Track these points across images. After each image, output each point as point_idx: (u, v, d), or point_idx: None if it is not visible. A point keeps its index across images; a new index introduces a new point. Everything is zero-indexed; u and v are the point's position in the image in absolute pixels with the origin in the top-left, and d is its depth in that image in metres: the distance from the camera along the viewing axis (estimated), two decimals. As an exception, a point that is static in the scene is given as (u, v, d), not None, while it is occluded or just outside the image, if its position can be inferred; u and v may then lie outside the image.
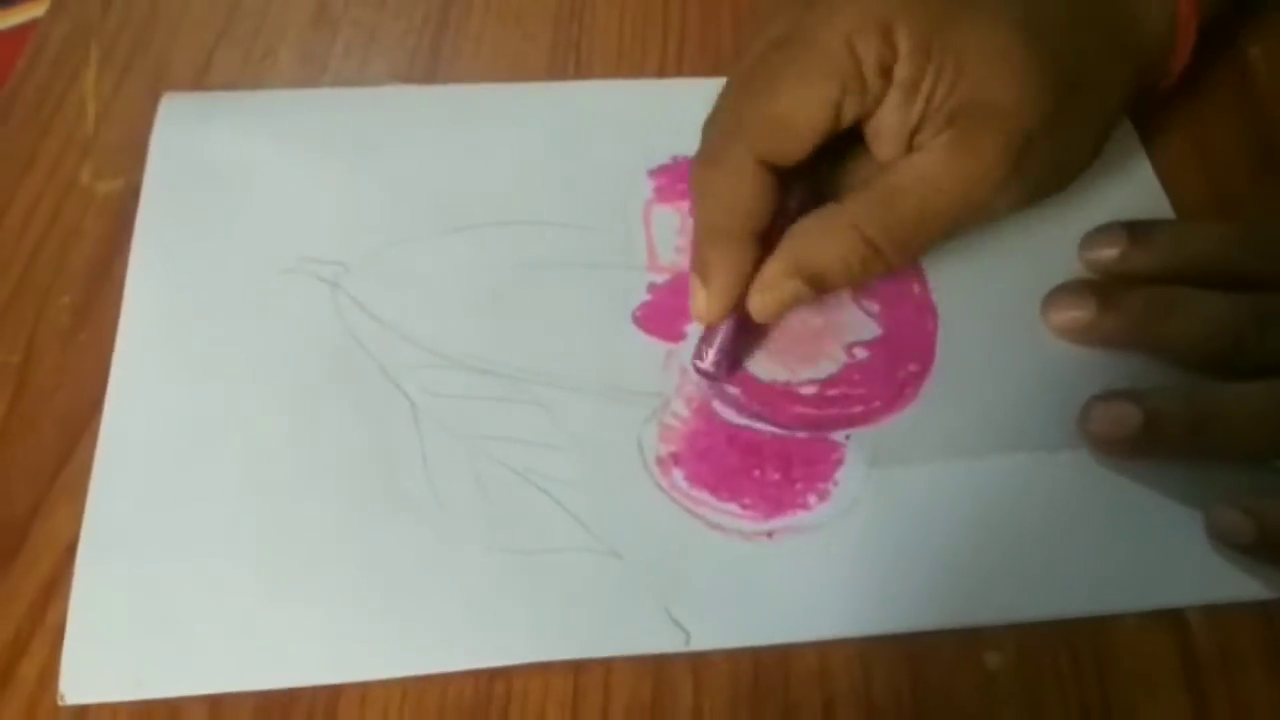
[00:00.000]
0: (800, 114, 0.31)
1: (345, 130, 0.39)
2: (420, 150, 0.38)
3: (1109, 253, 0.35)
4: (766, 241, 0.33)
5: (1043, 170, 0.33)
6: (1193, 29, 0.36)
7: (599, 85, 0.41)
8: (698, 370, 0.33)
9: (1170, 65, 0.37)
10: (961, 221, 0.33)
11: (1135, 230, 0.35)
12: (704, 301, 0.33)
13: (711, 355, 0.33)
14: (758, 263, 0.32)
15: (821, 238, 0.32)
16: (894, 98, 0.32)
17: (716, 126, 0.33)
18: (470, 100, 0.40)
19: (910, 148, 0.32)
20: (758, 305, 0.33)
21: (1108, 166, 0.38)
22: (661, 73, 0.41)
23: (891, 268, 0.33)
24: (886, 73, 0.31)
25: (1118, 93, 0.35)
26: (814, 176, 0.34)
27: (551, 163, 0.38)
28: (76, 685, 0.28)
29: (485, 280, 0.36)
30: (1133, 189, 0.38)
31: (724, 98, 0.33)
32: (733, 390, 0.34)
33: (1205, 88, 0.41)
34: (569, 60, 0.42)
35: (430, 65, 0.41)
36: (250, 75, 0.41)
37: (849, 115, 0.32)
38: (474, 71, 0.41)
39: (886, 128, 0.32)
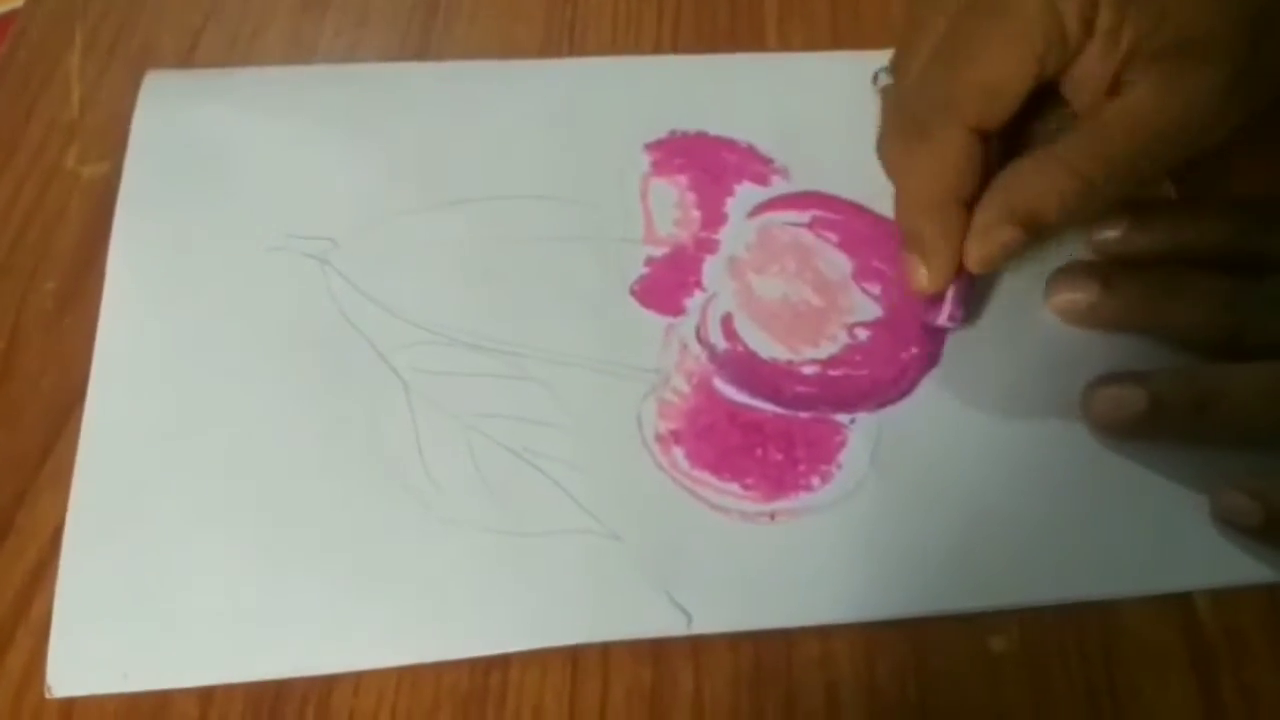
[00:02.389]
0: (1006, 78, 0.32)
1: (333, 106, 0.38)
2: (412, 125, 0.38)
3: (1110, 233, 0.35)
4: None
5: (1245, 102, 0.32)
6: None
7: (595, 62, 0.40)
8: (935, 329, 0.34)
9: None
10: (1174, 157, 0.32)
11: (1136, 210, 0.35)
12: (926, 276, 0.33)
13: (947, 308, 0.33)
14: (968, 226, 0.32)
15: (1033, 179, 0.32)
16: (1096, 46, 0.32)
17: (920, 99, 0.33)
18: (463, 76, 0.39)
19: (1113, 92, 0.32)
20: (978, 257, 0.32)
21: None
22: (656, 52, 0.41)
23: (1105, 202, 0.32)
24: (1088, 24, 0.31)
25: None
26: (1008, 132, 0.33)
27: (546, 137, 0.37)
28: (64, 677, 0.28)
29: (479, 255, 0.35)
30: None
31: (917, 72, 0.33)
32: (734, 368, 0.33)
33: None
34: (563, 41, 0.41)
35: (422, 46, 0.41)
36: (238, 57, 0.40)
37: (1051, 70, 0.32)
38: (466, 53, 0.40)
39: (1088, 76, 0.32)
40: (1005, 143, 0.33)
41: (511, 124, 0.38)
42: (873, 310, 0.34)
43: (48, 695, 0.28)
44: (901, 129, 0.33)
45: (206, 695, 0.28)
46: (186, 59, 0.40)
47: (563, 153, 0.37)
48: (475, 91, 0.39)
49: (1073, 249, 0.35)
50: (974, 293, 0.34)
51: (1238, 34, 0.31)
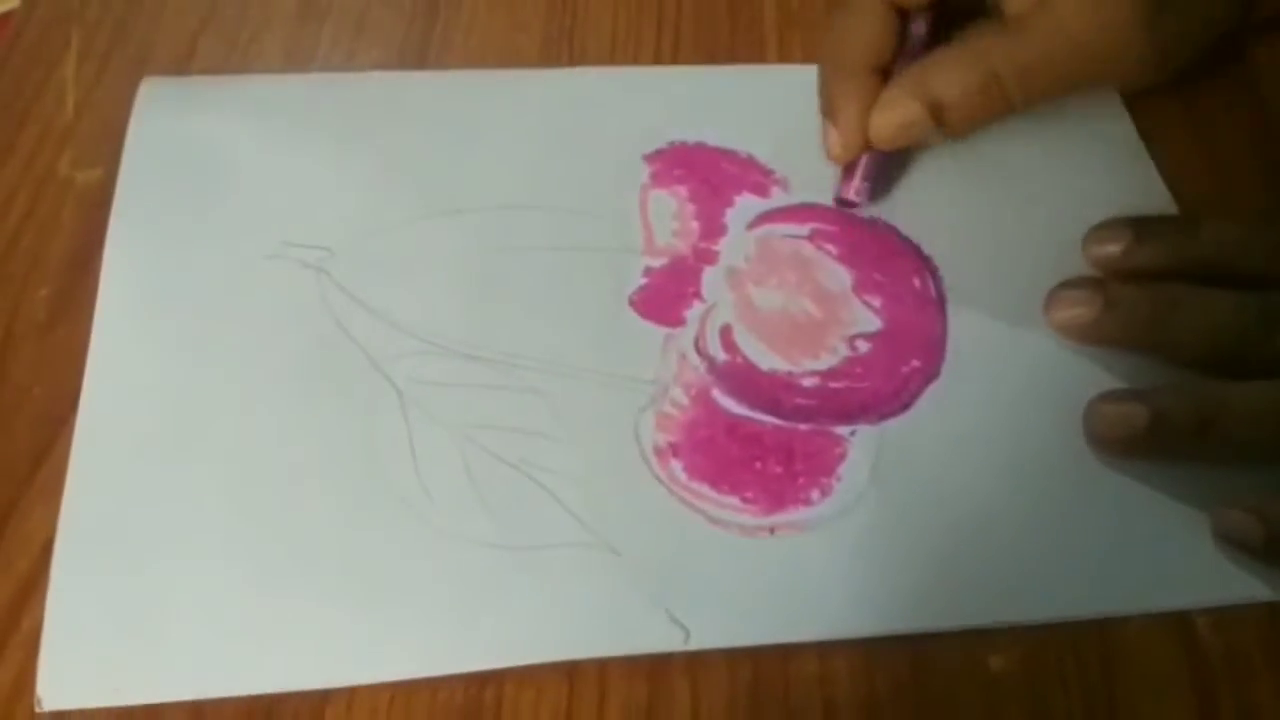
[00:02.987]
0: None
1: (331, 115, 0.38)
2: (410, 134, 0.37)
3: (1112, 249, 0.35)
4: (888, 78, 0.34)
5: (1176, 28, 0.34)
6: None
7: (595, 71, 0.40)
8: (841, 202, 0.35)
9: None
10: (1087, 72, 0.34)
11: (1139, 226, 0.35)
12: (835, 138, 0.34)
13: (855, 183, 0.35)
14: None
15: (945, 64, 0.33)
16: None
17: None
18: (461, 85, 0.39)
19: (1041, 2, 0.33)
20: (877, 125, 0.34)
21: (1110, 163, 0.38)
22: (656, 62, 0.41)
23: (1011, 107, 0.33)
24: None
25: None
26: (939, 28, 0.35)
27: (545, 147, 0.37)
28: (54, 691, 0.27)
29: (476, 265, 0.35)
30: (1135, 185, 0.38)
31: None
32: (733, 380, 0.33)
33: (1208, 82, 0.41)
34: (562, 51, 0.41)
35: (420, 55, 0.40)
36: (235, 64, 0.40)
37: None
38: (465, 61, 0.40)
39: None
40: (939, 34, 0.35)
41: (510, 134, 0.38)
42: (873, 322, 0.34)
43: (37, 709, 0.27)
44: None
45: (198, 710, 0.28)
46: (183, 65, 0.40)
47: (562, 163, 0.37)
48: (474, 101, 0.38)
49: (1074, 264, 0.35)
50: (884, 174, 0.36)
51: None
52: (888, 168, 0.36)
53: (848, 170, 0.36)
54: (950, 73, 0.33)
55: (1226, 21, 0.36)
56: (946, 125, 0.34)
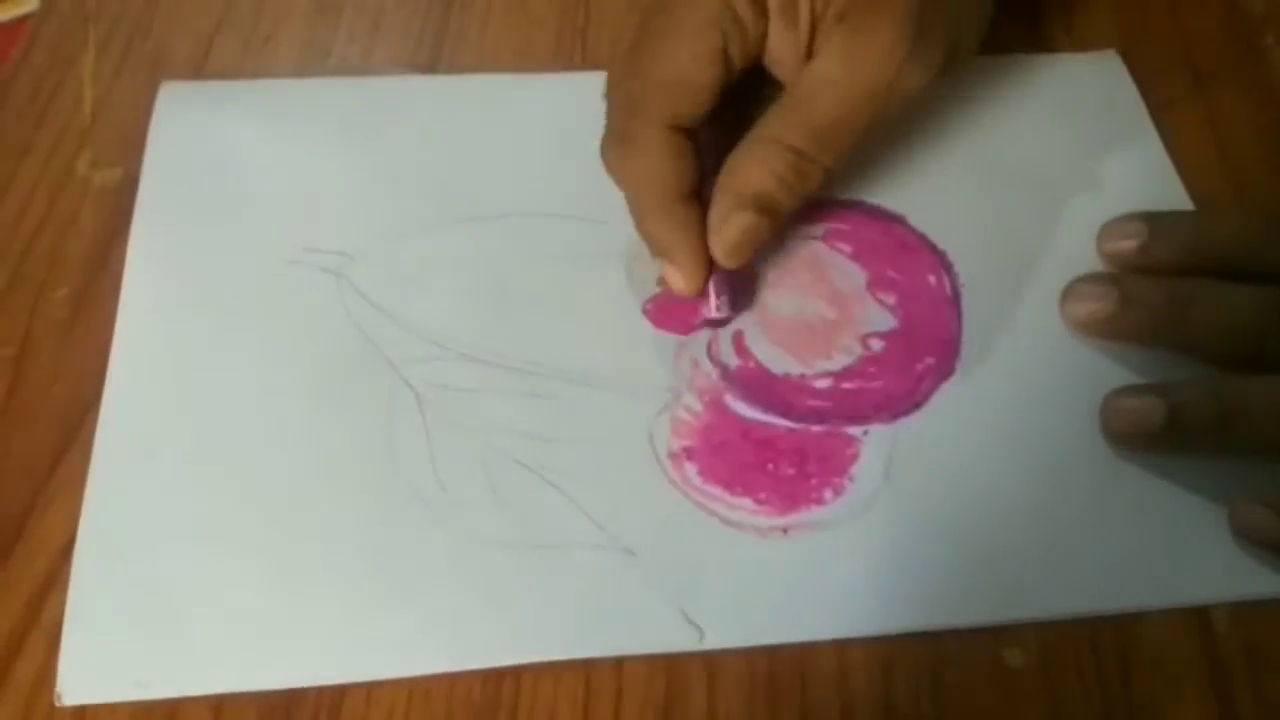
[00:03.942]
0: (692, 72, 0.32)
1: (350, 120, 0.38)
2: (428, 140, 0.38)
3: (1128, 244, 0.35)
4: (701, 196, 0.33)
5: (943, 38, 0.33)
6: None
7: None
8: (710, 323, 0.34)
9: None
10: (877, 111, 0.33)
11: (1155, 221, 0.35)
12: (680, 276, 0.33)
13: (713, 301, 0.33)
14: (704, 217, 0.33)
15: (750, 161, 0.32)
16: (776, 25, 0.33)
17: (614, 105, 0.33)
18: (479, 90, 0.39)
19: (810, 58, 0.33)
20: (721, 249, 0.32)
21: (1124, 158, 0.38)
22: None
23: (829, 172, 0.33)
24: (761, 7, 0.33)
25: None
26: (735, 119, 0.34)
27: (561, 153, 0.37)
28: (74, 686, 0.28)
29: (493, 272, 0.35)
30: (1150, 180, 0.38)
31: (612, 74, 0.33)
32: (746, 385, 0.33)
33: (1220, 76, 0.40)
34: (575, 48, 0.41)
35: (435, 52, 0.41)
36: (251, 62, 0.40)
37: (738, 60, 0.33)
38: (479, 58, 0.40)
39: (781, 54, 0.33)
40: (736, 126, 0.33)
41: (527, 140, 0.38)
42: (887, 320, 0.34)
43: (57, 703, 0.27)
44: (609, 138, 0.33)
45: (217, 705, 0.28)
46: (199, 65, 0.40)
47: (577, 169, 0.36)
48: (492, 106, 0.39)
49: (1089, 260, 0.35)
50: (735, 281, 0.34)
51: None
52: (735, 275, 0.34)
53: (703, 295, 0.33)
54: (758, 167, 0.32)
55: (988, 15, 0.36)
56: (780, 213, 0.33)
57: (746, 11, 0.32)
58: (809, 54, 0.33)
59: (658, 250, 0.33)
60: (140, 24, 0.41)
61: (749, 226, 0.32)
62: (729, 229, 0.32)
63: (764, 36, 0.33)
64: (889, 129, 0.34)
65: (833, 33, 0.32)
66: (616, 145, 0.33)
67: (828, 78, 0.32)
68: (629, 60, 0.33)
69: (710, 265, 0.33)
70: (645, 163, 0.32)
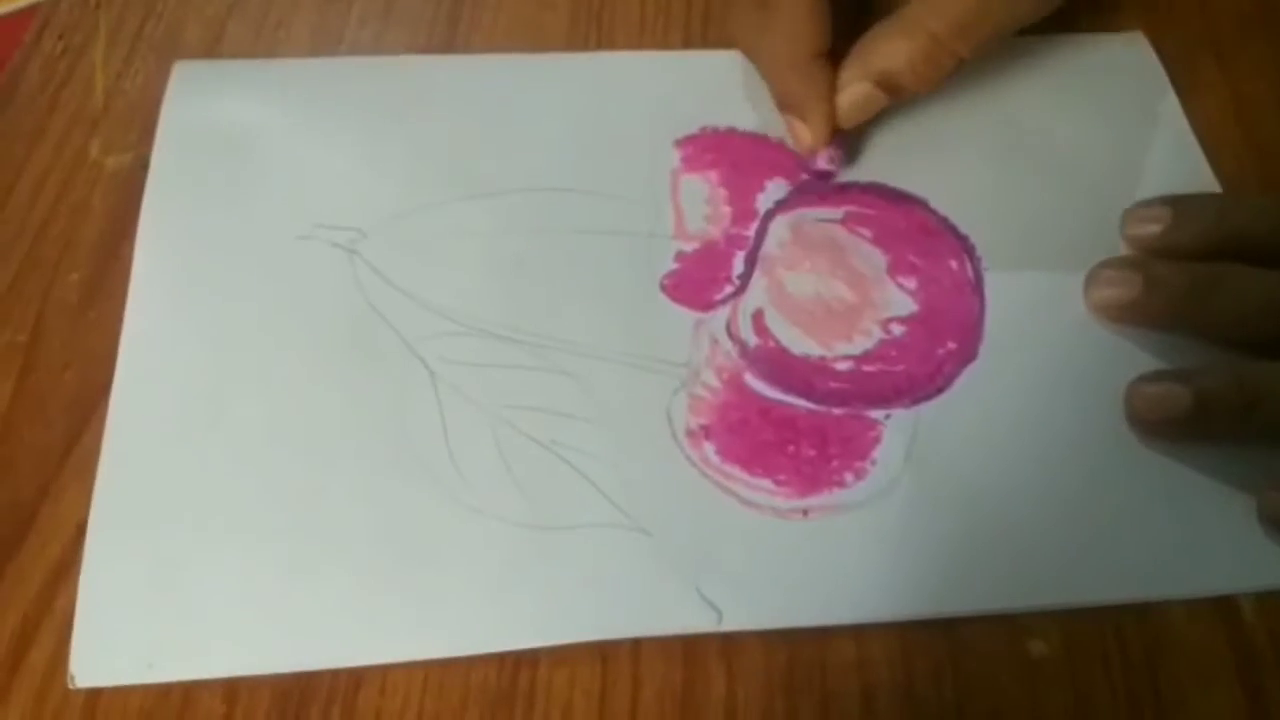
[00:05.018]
0: None
1: (363, 98, 0.38)
2: (442, 117, 0.37)
3: (1152, 229, 0.34)
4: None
5: None
6: None
7: (624, 56, 0.39)
8: (819, 173, 0.36)
9: None
10: (1019, 12, 0.35)
11: (1179, 205, 0.34)
12: (808, 133, 0.35)
13: (829, 152, 0.35)
14: (834, 82, 0.35)
15: (888, 39, 0.34)
16: None
17: None
18: (492, 69, 0.39)
19: None
20: (839, 111, 0.35)
21: (1150, 141, 0.37)
22: (685, 46, 0.40)
23: (959, 60, 0.34)
24: None
25: None
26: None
27: (576, 131, 0.37)
28: (87, 668, 0.27)
29: (508, 247, 0.34)
30: (1176, 163, 0.37)
31: None
32: (765, 363, 0.33)
33: (1247, 58, 0.40)
34: (590, 31, 0.40)
35: (448, 35, 0.40)
36: (263, 47, 0.40)
37: None
38: (492, 42, 0.40)
39: None
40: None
41: (541, 117, 0.37)
42: (908, 305, 0.34)
43: (71, 685, 0.27)
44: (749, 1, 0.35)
45: (231, 688, 0.28)
46: (211, 49, 0.40)
47: (592, 147, 0.36)
48: (505, 85, 0.38)
49: (1113, 245, 0.34)
50: (845, 137, 0.36)
51: None
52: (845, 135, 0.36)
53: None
54: (892, 46, 0.34)
55: None
56: (903, 93, 0.35)
57: None
58: None
59: (790, 106, 0.35)
60: (152, 10, 0.41)
61: (868, 96, 0.35)
62: (852, 94, 0.35)
63: None
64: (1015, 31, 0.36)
65: None
66: (756, 7, 0.35)
67: None
68: None
69: (835, 127, 0.35)
70: (786, 20, 0.34)
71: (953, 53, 0.34)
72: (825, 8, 0.34)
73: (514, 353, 0.32)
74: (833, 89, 0.35)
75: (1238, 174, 0.37)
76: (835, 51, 0.35)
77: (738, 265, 0.34)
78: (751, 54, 0.36)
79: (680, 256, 0.34)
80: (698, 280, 0.34)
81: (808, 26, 0.34)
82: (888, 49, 0.34)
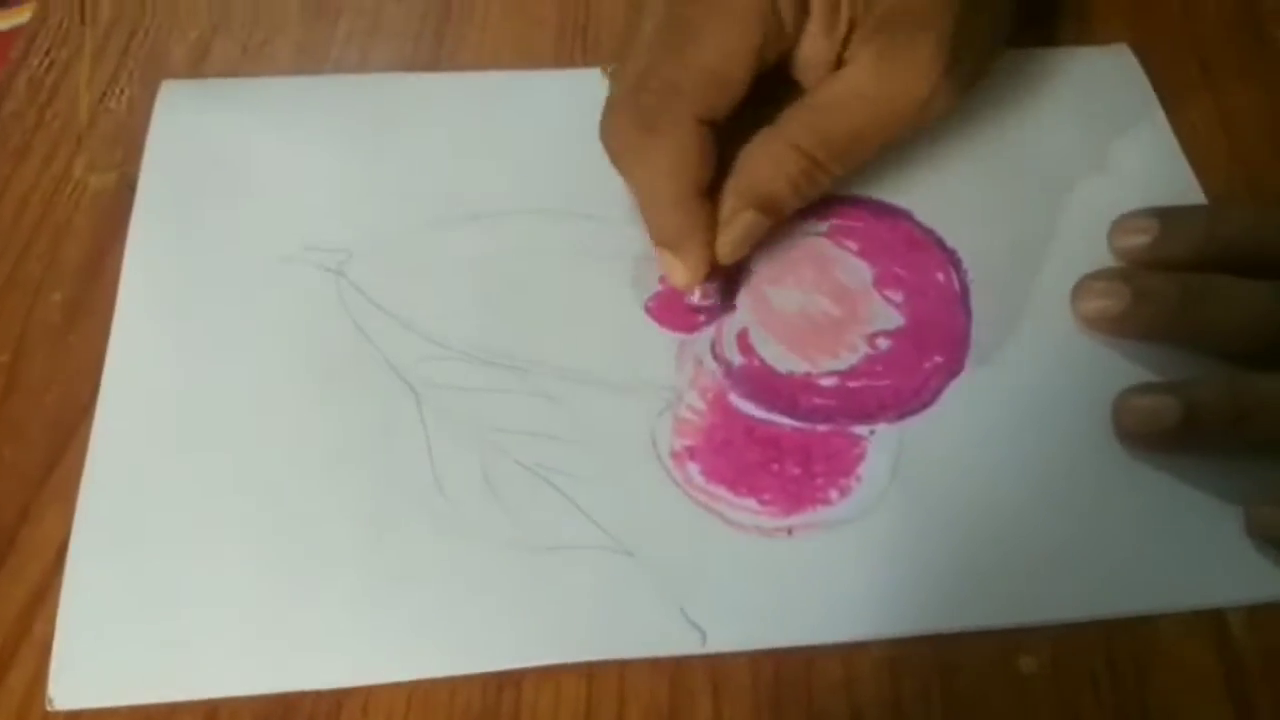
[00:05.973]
0: (730, 67, 0.31)
1: (350, 117, 0.38)
2: (428, 137, 0.37)
3: (1140, 240, 0.34)
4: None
5: (969, 65, 0.33)
6: None
7: (608, 72, 0.39)
8: (695, 308, 0.33)
9: None
10: (899, 129, 0.33)
11: (1167, 216, 0.34)
12: (683, 271, 0.32)
13: (699, 290, 0.33)
14: (715, 213, 0.32)
15: (762, 162, 0.32)
16: (814, 26, 0.32)
17: (645, 90, 0.32)
18: (479, 87, 0.39)
19: (838, 65, 0.33)
20: (723, 248, 0.32)
21: (1137, 153, 0.37)
22: (671, 60, 0.40)
23: (837, 179, 0.33)
24: (804, 6, 0.32)
25: None
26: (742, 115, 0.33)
27: (562, 150, 0.37)
28: (66, 690, 0.27)
29: (493, 269, 0.34)
30: (1163, 175, 0.37)
31: (637, 58, 0.32)
32: (750, 383, 0.32)
33: (1235, 70, 0.40)
34: (575, 47, 0.40)
35: (434, 52, 0.40)
36: (249, 65, 0.40)
37: (771, 57, 0.32)
38: (479, 58, 0.40)
39: (811, 56, 0.33)
40: (742, 123, 0.33)
41: (528, 137, 0.37)
42: (894, 319, 0.34)
43: (49, 708, 0.27)
44: (630, 121, 0.32)
45: (212, 715, 0.27)
46: (197, 67, 0.40)
47: (578, 167, 0.36)
48: (492, 103, 0.38)
49: (1101, 256, 0.34)
50: (729, 271, 0.34)
51: (954, 3, 0.32)
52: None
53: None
54: (768, 168, 0.32)
55: (1006, 36, 0.36)
56: (780, 216, 0.33)
57: (789, 7, 0.32)
58: (837, 63, 0.33)
59: (665, 241, 0.32)
60: (137, 29, 0.41)
61: (752, 226, 0.32)
62: (734, 227, 0.32)
63: (799, 35, 0.33)
64: (903, 144, 0.34)
65: (868, 42, 0.32)
66: (640, 133, 0.32)
67: (857, 89, 0.32)
68: (662, 46, 0.32)
69: (712, 263, 0.32)
70: (671, 154, 0.31)
71: (828, 172, 0.33)
72: (712, 140, 0.32)
73: (499, 376, 0.32)
74: (713, 223, 0.32)
75: (1224, 185, 0.37)
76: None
77: (720, 283, 0.34)
78: (628, 178, 0.33)
79: (665, 279, 0.34)
80: (681, 302, 0.34)
81: (693, 160, 0.31)
82: (765, 173, 0.32)
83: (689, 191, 0.32)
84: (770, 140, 0.32)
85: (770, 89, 0.33)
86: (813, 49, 0.33)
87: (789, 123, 0.32)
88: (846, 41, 0.33)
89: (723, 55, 0.31)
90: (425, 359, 0.32)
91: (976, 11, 0.33)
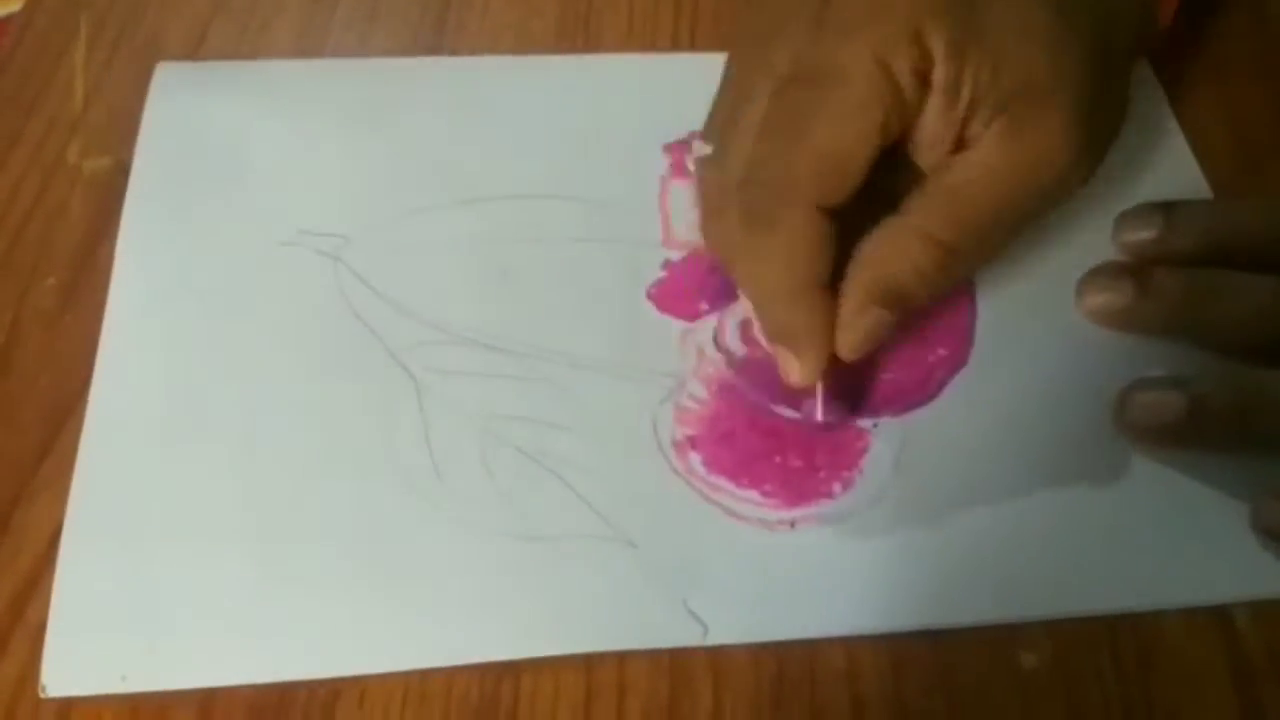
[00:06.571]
0: (848, 153, 0.29)
1: (349, 101, 0.37)
2: (428, 122, 0.37)
3: (1145, 234, 0.34)
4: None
5: (1102, 137, 0.32)
6: None
7: (612, 59, 0.39)
8: (821, 425, 0.31)
9: (1159, 18, 0.36)
10: (1035, 210, 0.31)
11: (1173, 211, 0.34)
12: (799, 370, 0.30)
13: (819, 405, 0.31)
14: (835, 306, 0.30)
15: (891, 254, 0.30)
16: (935, 103, 0.30)
17: (756, 182, 0.30)
18: (479, 72, 0.38)
19: (959, 147, 0.30)
20: (847, 346, 0.30)
21: (1142, 146, 0.37)
22: (674, 48, 0.40)
23: (972, 268, 0.31)
24: (925, 81, 0.30)
25: (1132, 48, 0.35)
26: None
27: (563, 136, 0.37)
28: (59, 677, 0.27)
29: (493, 254, 0.34)
30: (1169, 169, 0.37)
31: (741, 148, 0.30)
32: (752, 373, 0.32)
33: (1237, 62, 0.40)
34: (577, 35, 0.40)
35: (435, 39, 0.40)
36: (247, 49, 0.39)
37: (894, 134, 0.30)
38: (479, 45, 0.40)
39: (931, 134, 0.30)
40: (855, 207, 0.30)
41: (528, 122, 0.37)
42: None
43: (42, 695, 0.27)
44: (741, 215, 0.30)
45: (207, 701, 0.27)
46: (194, 52, 0.39)
47: (580, 152, 0.36)
48: (492, 88, 0.38)
49: (1106, 251, 0.34)
50: (850, 380, 0.31)
51: (1081, 71, 0.30)
52: (848, 372, 0.31)
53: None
54: (898, 260, 0.30)
55: (1128, 106, 0.34)
56: (907, 311, 0.30)
57: (909, 82, 0.29)
58: (959, 141, 0.30)
59: (782, 338, 0.30)
60: (133, 13, 0.40)
61: (880, 324, 0.30)
62: (858, 328, 0.30)
63: (919, 113, 0.30)
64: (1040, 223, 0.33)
65: (994, 119, 0.30)
66: (754, 228, 0.30)
67: (987, 167, 0.30)
68: (773, 133, 0.30)
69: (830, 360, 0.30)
70: (789, 248, 0.29)
71: (967, 262, 0.31)
72: (832, 230, 0.29)
73: (499, 362, 0.32)
74: (832, 318, 0.30)
75: (1230, 179, 0.37)
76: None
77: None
78: (740, 278, 0.31)
79: (668, 265, 0.34)
80: (684, 290, 0.33)
81: (811, 253, 0.29)
82: (896, 265, 0.30)
83: (808, 285, 0.30)
84: (896, 229, 0.30)
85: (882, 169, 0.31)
86: (934, 127, 0.30)
87: (916, 209, 0.30)
88: (969, 117, 0.30)
89: (841, 139, 0.29)
90: (423, 344, 0.32)
91: (1106, 75, 0.31)
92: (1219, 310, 0.32)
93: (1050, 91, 0.30)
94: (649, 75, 0.38)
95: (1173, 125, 0.38)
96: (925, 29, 0.29)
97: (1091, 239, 0.34)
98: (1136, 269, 0.33)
